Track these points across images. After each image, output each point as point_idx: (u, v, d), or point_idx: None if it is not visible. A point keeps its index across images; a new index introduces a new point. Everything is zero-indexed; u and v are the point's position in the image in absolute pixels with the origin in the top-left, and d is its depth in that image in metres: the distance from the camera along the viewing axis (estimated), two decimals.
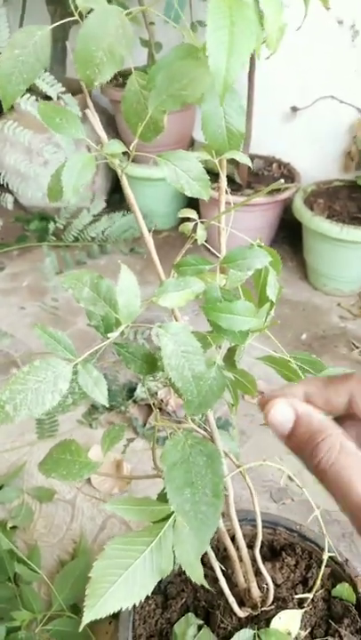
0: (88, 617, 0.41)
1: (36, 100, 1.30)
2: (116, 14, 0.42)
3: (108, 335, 0.40)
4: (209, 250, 0.57)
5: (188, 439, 0.46)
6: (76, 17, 0.43)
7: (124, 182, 0.47)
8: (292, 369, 0.54)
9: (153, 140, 0.49)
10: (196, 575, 0.51)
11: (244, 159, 0.48)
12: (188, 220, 0.50)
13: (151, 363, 0.53)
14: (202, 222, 0.49)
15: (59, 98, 1.22)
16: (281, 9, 0.38)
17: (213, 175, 0.47)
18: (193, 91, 0.42)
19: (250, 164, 0.47)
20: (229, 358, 0.57)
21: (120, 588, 0.45)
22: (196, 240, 0.49)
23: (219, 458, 0.46)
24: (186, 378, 0.44)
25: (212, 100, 0.44)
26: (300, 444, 0.31)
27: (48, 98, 1.26)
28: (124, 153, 0.44)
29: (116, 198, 2.07)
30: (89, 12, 0.42)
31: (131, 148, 0.42)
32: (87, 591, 0.44)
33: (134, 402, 1.31)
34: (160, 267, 0.51)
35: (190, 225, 0.50)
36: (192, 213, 0.49)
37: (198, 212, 0.51)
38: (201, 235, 0.49)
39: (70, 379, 0.39)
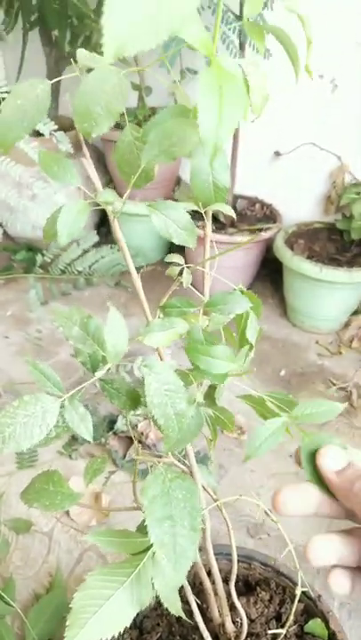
0: None
1: (29, 135, 1.35)
2: (114, 74, 0.45)
3: (96, 374, 0.42)
4: (194, 291, 0.60)
5: (168, 473, 0.48)
6: (77, 73, 0.46)
7: (116, 226, 0.50)
8: (268, 408, 0.56)
9: (144, 186, 0.52)
10: (174, 607, 0.52)
11: (228, 211, 0.51)
12: (175, 264, 0.53)
13: (135, 399, 0.55)
14: (187, 267, 0.52)
15: (51, 135, 1.26)
16: (265, 81, 0.42)
17: (200, 214, 0.51)
18: (182, 147, 0.46)
19: (233, 215, 0.50)
20: (210, 395, 0.60)
21: (101, 618, 0.46)
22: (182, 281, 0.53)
23: (196, 492, 0.47)
24: (168, 415, 0.47)
25: (200, 157, 0.48)
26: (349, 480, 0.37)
27: (40, 134, 1.30)
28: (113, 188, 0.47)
29: (103, 232, 2.12)
30: (88, 70, 0.46)
31: (124, 199, 0.46)
32: (67, 622, 0.45)
33: (114, 434, 1.32)
34: (146, 304, 0.54)
35: (177, 269, 0.53)
36: (178, 258, 0.52)
37: (182, 248, 0.54)
38: (187, 279, 0.52)
39: (57, 414, 0.41)
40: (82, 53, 0.47)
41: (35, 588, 1.03)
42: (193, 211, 0.53)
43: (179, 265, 0.52)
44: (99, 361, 0.53)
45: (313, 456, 0.42)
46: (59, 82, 1.95)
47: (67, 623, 0.45)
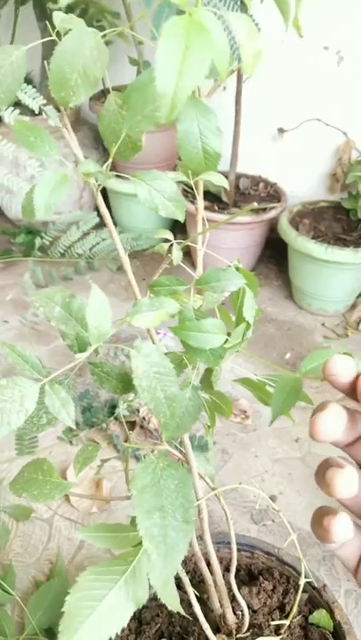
0: None
1: (23, 114, 1.31)
2: (92, 36, 0.42)
3: (77, 356, 0.39)
4: (188, 270, 0.57)
5: (160, 462, 0.45)
6: (54, 37, 0.43)
7: (100, 200, 0.47)
8: (268, 392, 0.53)
9: (132, 158, 0.49)
10: (171, 601, 0.50)
11: (220, 181, 0.48)
12: (166, 240, 0.50)
13: (126, 382, 0.52)
14: (178, 243, 0.49)
15: (41, 111, 1.22)
16: (255, 36, 0.38)
17: (209, 195, 0.47)
18: None
19: (226, 186, 0.47)
20: (207, 379, 0.57)
21: (94, 621, 0.43)
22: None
23: (190, 482, 0.45)
24: (158, 399, 0.44)
25: (187, 121, 0.44)
26: None
27: (37, 112, 1.26)
28: (111, 169, 0.44)
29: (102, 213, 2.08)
30: (66, 34, 0.42)
31: (105, 167, 0.42)
32: (60, 627, 0.43)
33: (116, 419, 1.29)
34: (136, 286, 0.51)
35: (166, 245, 0.49)
36: (168, 234, 0.49)
37: (184, 230, 0.51)
38: (177, 255, 0.49)
39: (37, 399, 0.38)
40: (58, 16, 0.44)
41: (35, 576, 1.01)
42: (204, 192, 0.50)
43: (169, 241, 0.48)
44: (86, 343, 0.50)
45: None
46: (49, 56, 1.90)
47: (59, 628, 0.43)
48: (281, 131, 1.73)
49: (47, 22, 0.45)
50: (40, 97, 1.09)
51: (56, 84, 0.41)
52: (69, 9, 1.67)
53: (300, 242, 1.52)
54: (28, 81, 2.02)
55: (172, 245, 0.48)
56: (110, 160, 0.43)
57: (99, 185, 0.44)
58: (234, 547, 0.62)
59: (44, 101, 1.10)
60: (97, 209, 2.07)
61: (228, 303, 0.53)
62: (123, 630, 0.66)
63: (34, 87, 1.21)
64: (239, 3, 1.42)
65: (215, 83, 0.47)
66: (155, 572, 0.45)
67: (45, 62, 0.41)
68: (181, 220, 0.44)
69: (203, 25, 0.32)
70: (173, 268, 0.51)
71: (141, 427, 1.28)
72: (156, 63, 0.28)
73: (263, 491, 1.12)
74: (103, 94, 1.86)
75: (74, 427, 0.40)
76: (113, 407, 1.31)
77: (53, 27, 0.42)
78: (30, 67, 2.01)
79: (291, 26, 0.50)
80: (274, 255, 1.85)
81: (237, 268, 0.49)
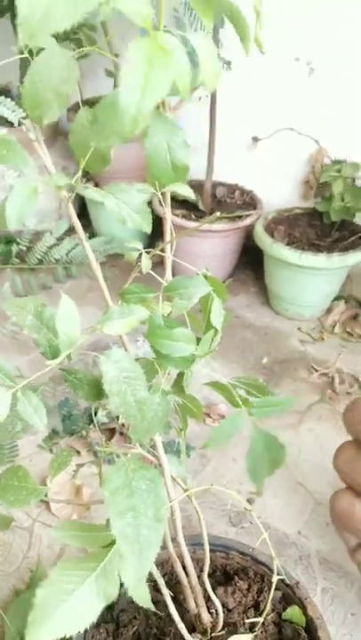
0: None
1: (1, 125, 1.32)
2: (62, 55, 0.43)
3: (47, 362, 0.40)
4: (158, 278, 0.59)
5: (131, 464, 0.47)
6: (26, 55, 0.44)
7: (71, 210, 0.49)
8: (237, 394, 0.55)
9: (103, 170, 0.50)
10: (142, 599, 0.51)
11: (187, 192, 0.50)
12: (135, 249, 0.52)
13: (99, 388, 0.54)
14: (147, 252, 0.51)
15: (20, 124, 1.23)
16: (213, 55, 0.40)
17: (177, 202, 0.49)
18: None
19: (192, 196, 0.49)
20: (178, 383, 0.58)
21: (63, 613, 0.45)
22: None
23: (161, 482, 0.46)
24: (129, 403, 0.45)
25: (155, 137, 0.46)
26: None
27: (11, 123, 1.27)
28: (88, 180, 0.45)
29: (81, 222, 2.09)
30: (39, 51, 0.44)
31: (75, 180, 0.44)
32: (29, 618, 0.44)
33: (95, 426, 1.30)
34: (107, 292, 0.52)
35: (136, 254, 0.51)
36: (137, 244, 0.50)
37: (161, 238, 0.53)
38: (146, 264, 0.50)
39: (10, 405, 0.40)
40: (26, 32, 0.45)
41: (15, 584, 1.01)
42: (181, 200, 0.51)
43: (137, 250, 0.50)
44: (59, 351, 0.52)
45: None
46: (27, 68, 1.92)
47: (28, 619, 0.44)
48: (255, 139, 1.76)
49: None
50: (19, 110, 1.10)
51: (30, 103, 0.43)
52: None
53: (275, 248, 1.55)
54: (5, 92, 2.03)
55: (141, 254, 0.50)
56: (80, 173, 0.45)
57: (69, 197, 0.46)
58: (206, 547, 0.63)
59: (24, 114, 1.11)
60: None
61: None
62: (100, 632, 0.67)
63: (11, 99, 1.23)
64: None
65: (180, 99, 0.49)
66: (127, 569, 0.47)
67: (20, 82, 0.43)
68: (148, 231, 0.46)
69: (164, 47, 0.34)
70: (146, 276, 0.53)
71: (121, 433, 1.29)
72: (120, 82, 0.30)
73: (240, 493, 1.14)
74: (80, 106, 1.88)
75: (46, 432, 0.41)
76: (92, 415, 1.32)
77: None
78: (8, 78, 2.02)
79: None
80: (250, 262, 1.88)
81: (206, 276, 0.51)
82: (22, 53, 0.47)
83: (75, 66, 0.44)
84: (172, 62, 0.31)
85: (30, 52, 0.44)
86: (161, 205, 0.49)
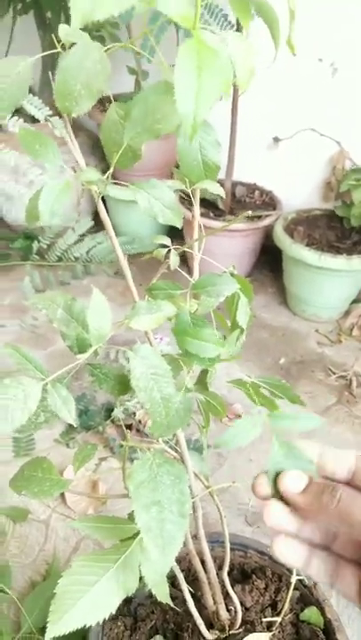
0: (51, 632, 0.42)
1: (25, 122, 1.33)
2: (95, 50, 0.44)
3: (78, 356, 0.41)
4: (185, 275, 0.59)
5: (156, 459, 0.47)
6: (59, 49, 0.45)
7: (100, 206, 0.49)
8: (262, 393, 0.55)
9: (131, 166, 0.51)
10: (162, 594, 0.52)
11: (217, 190, 0.50)
12: (163, 245, 0.52)
13: (124, 383, 0.54)
14: (175, 249, 0.51)
15: (46, 120, 1.25)
16: (250, 55, 0.40)
17: (207, 202, 0.49)
18: (167, 124, 0.44)
19: (222, 194, 0.49)
20: (201, 381, 0.59)
21: (84, 604, 0.45)
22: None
23: (185, 478, 0.46)
24: (155, 399, 0.45)
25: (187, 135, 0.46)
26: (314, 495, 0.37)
27: (36, 120, 1.28)
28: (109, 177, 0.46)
29: (99, 220, 2.10)
30: (71, 45, 0.44)
31: (106, 176, 0.44)
32: (51, 607, 0.45)
33: (112, 422, 1.31)
34: (135, 289, 0.53)
35: (164, 251, 0.51)
36: (165, 240, 0.51)
37: (181, 236, 0.53)
38: (174, 260, 0.51)
39: (40, 398, 0.40)
40: (63, 28, 0.46)
41: (31, 576, 1.02)
42: (200, 199, 0.52)
43: (166, 247, 0.50)
44: (86, 345, 0.52)
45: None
46: (53, 67, 1.93)
47: (50, 608, 0.45)
48: (276, 140, 1.76)
49: (52, 35, 0.47)
50: (45, 107, 1.11)
51: (61, 94, 0.44)
52: (69, 17, 1.70)
53: (294, 249, 1.55)
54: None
55: (169, 251, 0.50)
56: (112, 169, 0.45)
57: (99, 193, 0.46)
58: (227, 544, 0.63)
59: (50, 112, 1.12)
60: (94, 215, 2.09)
61: (224, 308, 0.55)
62: (118, 626, 0.68)
63: (34, 95, 1.24)
64: (228, 19, 1.44)
65: None
66: (149, 563, 0.47)
67: (50, 73, 0.44)
68: (179, 226, 0.46)
69: (212, 48, 0.34)
70: (170, 273, 0.53)
71: (138, 430, 1.30)
72: (176, 90, 0.31)
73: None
74: (100, 102, 1.89)
75: (75, 425, 0.41)
76: (109, 411, 1.33)
77: (58, 39, 0.44)
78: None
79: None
80: (269, 262, 1.87)
81: (232, 274, 0.51)
82: (51, 48, 0.47)
83: (106, 60, 0.44)
84: (220, 66, 0.31)
85: (62, 47, 0.44)
86: (182, 203, 0.49)
